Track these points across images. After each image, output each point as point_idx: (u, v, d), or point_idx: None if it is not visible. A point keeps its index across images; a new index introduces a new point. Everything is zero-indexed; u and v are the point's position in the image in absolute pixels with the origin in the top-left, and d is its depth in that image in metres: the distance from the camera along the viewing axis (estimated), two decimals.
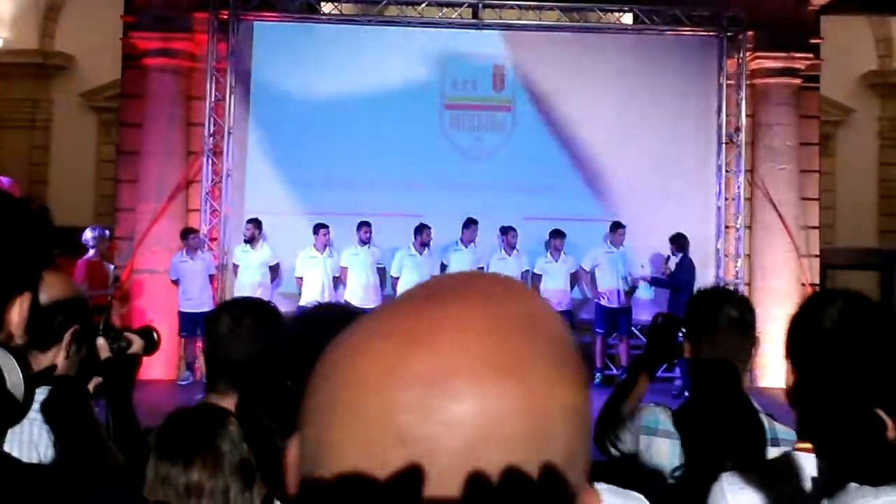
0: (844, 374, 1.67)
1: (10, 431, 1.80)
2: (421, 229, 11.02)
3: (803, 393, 1.73)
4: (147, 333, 2.35)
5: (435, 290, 0.57)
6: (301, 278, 11.05)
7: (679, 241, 11.12)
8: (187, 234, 11.14)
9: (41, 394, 1.94)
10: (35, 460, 1.76)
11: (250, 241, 11.12)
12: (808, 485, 1.67)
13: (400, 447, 0.51)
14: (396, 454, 0.51)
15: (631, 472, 2.47)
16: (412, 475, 0.51)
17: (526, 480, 0.52)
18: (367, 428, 0.52)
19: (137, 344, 2.29)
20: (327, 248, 11.11)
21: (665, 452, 2.44)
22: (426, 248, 11.05)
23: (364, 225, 11.06)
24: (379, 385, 0.52)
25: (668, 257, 11.31)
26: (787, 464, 1.74)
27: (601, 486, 1.12)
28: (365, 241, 11.08)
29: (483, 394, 0.51)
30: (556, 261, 11.18)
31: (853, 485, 1.33)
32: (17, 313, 1.11)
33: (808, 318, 1.75)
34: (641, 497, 1.42)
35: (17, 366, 1.04)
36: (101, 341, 2.17)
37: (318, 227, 11.05)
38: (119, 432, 2.19)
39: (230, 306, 2.27)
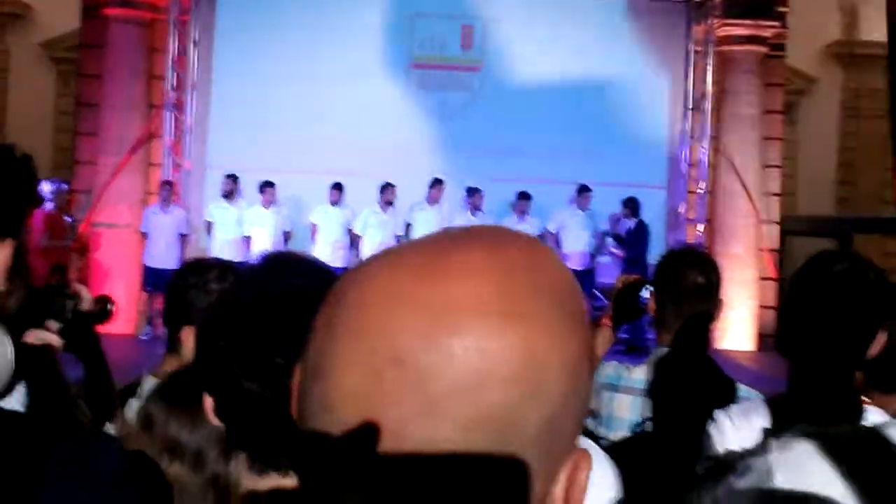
0: (840, 324, 1.72)
1: None
2: (385, 188, 11.01)
3: (795, 341, 1.78)
4: (103, 300, 2.30)
5: (451, 235, 0.59)
6: (249, 237, 11.04)
7: (632, 205, 11.20)
8: (162, 187, 11.07)
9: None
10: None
11: (227, 195, 11.05)
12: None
13: (397, 368, 0.52)
14: (393, 374, 0.52)
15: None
16: (405, 397, 0.52)
17: (518, 422, 0.52)
18: (368, 346, 0.53)
19: (86, 294, 2.23)
20: (272, 206, 11.09)
21: (626, 407, 2.49)
22: (390, 207, 11.04)
23: (335, 187, 11.07)
24: (384, 308, 0.54)
25: (619, 219, 11.41)
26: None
27: None
28: (335, 203, 11.09)
29: (483, 334, 0.52)
30: (521, 223, 11.22)
31: (800, 427, 1.36)
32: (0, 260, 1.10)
33: (815, 272, 1.81)
34: (592, 444, 1.43)
35: (6, 342, 1.03)
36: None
37: (264, 186, 11.03)
38: (92, 386, 2.16)
39: (191, 266, 2.24)
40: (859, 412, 1.75)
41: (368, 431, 0.52)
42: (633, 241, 11.00)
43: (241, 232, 11.11)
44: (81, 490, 1.01)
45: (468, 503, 0.52)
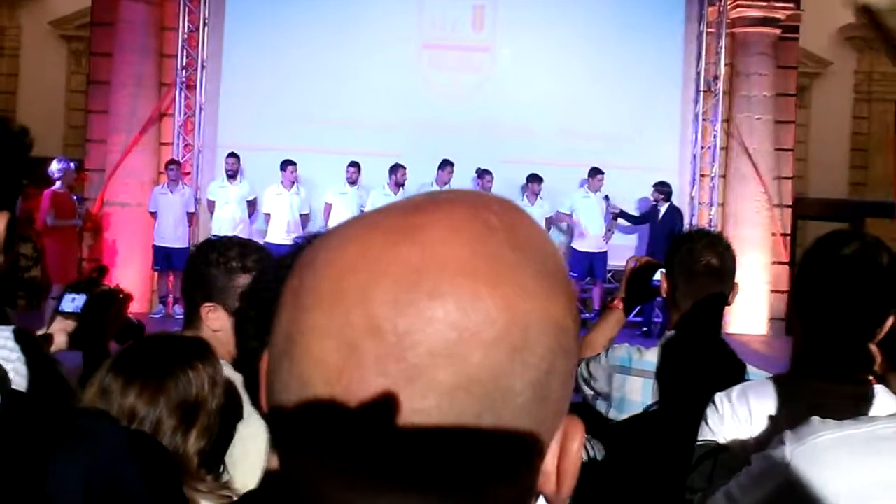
0: (848, 307, 1.69)
1: None
2: (395, 169, 11.00)
3: (804, 321, 1.75)
4: (134, 326, 2.31)
5: (428, 196, 0.56)
6: (268, 214, 11.07)
7: (665, 189, 11.17)
8: (169, 166, 11.07)
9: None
10: None
11: (234, 175, 11.05)
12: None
13: (374, 337, 0.49)
14: (370, 343, 0.49)
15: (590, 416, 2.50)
16: (384, 367, 0.49)
17: (505, 386, 0.50)
18: (342, 315, 0.50)
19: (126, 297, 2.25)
20: (294, 185, 11.09)
21: (638, 390, 2.47)
22: (401, 188, 11.02)
23: (352, 165, 11.05)
24: (359, 274, 0.51)
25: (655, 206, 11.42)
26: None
27: None
28: (353, 182, 11.07)
29: (464, 295, 0.50)
30: (532, 205, 11.18)
31: (816, 418, 1.35)
32: None
33: (824, 253, 1.77)
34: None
35: None
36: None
37: (286, 164, 11.02)
38: (90, 370, 2.17)
39: (213, 243, 2.23)
40: (868, 395, 1.73)
41: (349, 404, 0.49)
42: (669, 224, 10.95)
43: (241, 211, 11.10)
44: (84, 466, 1.00)
45: (463, 477, 0.50)
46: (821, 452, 1.29)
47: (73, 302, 2.15)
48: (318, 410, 0.50)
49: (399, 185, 11.01)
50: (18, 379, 1.86)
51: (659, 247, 10.62)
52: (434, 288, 0.50)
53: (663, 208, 11.20)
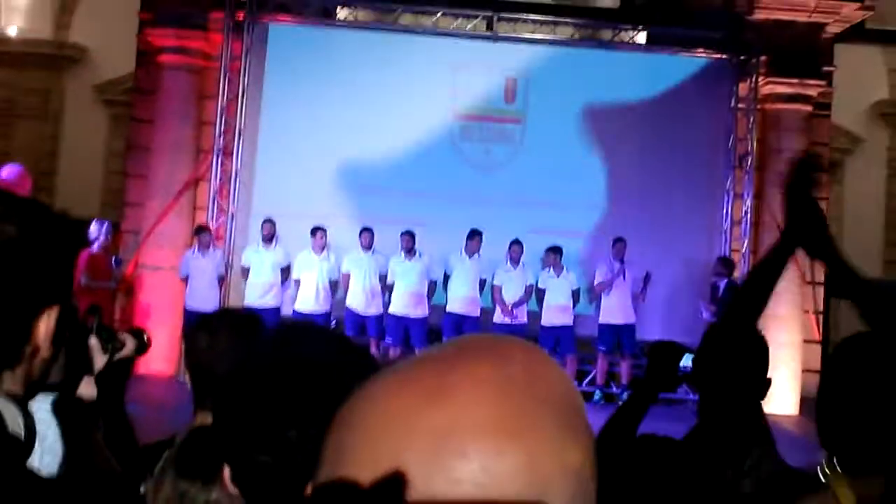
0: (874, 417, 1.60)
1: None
2: (403, 235, 10.94)
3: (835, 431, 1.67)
4: (138, 334, 2.32)
5: (457, 349, 0.61)
6: (298, 281, 11.07)
7: (729, 265, 11.10)
8: (200, 231, 11.18)
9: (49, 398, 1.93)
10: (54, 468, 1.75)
11: (269, 240, 11.12)
12: None
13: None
14: None
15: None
16: None
17: None
18: (375, 476, 0.54)
19: (130, 345, 2.25)
20: (325, 251, 11.12)
21: None
22: (411, 253, 10.96)
23: (366, 231, 11.08)
24: (391, 434, 0.55)
25: (715, 283, 11.24)
26: None
27: None
28: (367, 247, 11.09)
29: (488, 454, 0.54)
30: (558, 276, 11.15)
31: None
32: (45, 326, 1.10)
33: (843, 363, 1.70)
34: None
35: (19, 414, 1.06)
36: (93, 341, 2.13)
37: (316, 230, 11.05)
38: (111, 439, 2.17)
39: (208, 320, 2.25)
40: None
41: None
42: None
43: (275, 276, 11.11)
44: None
45: None
46: None
47: None
48: None
49: (408, 251, 10.92)
50: (50, 457, 1.86)
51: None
52: (460, 448, 0.54)
53: (722, 285, 11.05)
